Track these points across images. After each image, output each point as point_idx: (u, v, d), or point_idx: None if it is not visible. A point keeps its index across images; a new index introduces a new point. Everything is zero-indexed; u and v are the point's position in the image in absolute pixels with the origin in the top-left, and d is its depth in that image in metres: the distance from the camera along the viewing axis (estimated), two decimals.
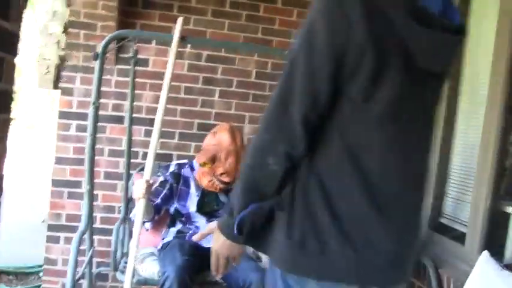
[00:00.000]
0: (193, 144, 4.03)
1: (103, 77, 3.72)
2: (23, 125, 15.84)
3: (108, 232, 3.64)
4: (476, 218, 3.28)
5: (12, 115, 1.39)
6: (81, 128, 3.80)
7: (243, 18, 4.08)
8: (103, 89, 3.86)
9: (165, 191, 3.17)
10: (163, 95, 2.69)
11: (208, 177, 3.13)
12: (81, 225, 2.96)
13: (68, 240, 3.74)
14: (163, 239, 3.16)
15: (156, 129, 2.64)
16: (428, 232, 3.85)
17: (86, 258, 3.11)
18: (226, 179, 3.13)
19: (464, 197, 3.64)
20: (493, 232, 3.17)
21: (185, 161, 3.35)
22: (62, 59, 3.63)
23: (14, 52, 1.37)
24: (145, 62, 3.98)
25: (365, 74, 1.32)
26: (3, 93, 1.34)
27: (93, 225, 3.52)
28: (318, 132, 1.41)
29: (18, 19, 1.37)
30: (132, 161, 3.57)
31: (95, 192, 3.72)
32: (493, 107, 3.23)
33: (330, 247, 1.38)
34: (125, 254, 3.27)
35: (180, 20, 2.83)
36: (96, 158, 3.84)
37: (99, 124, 3.86)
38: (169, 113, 4.02)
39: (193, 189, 3.19)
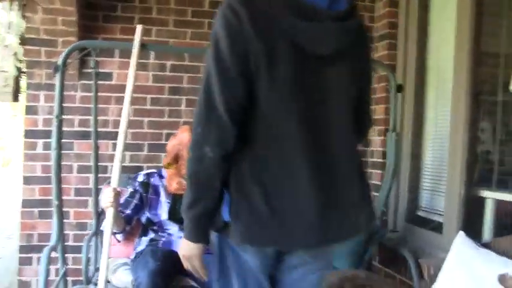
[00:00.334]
0: (163, 155, 3.95)
1: (67, 93, 3.69)
2: None
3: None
4: (451, 206, 3.30)
5: None
6: (48, 146, 3.70)
7: (205, 27, 4.07)
8: (68, 105, 3.83)
9: (135, 201, 3.12)
10: (126, 102, 2.66)
11: (176, 179, 3.09)
12: (52, 240, 2.90)
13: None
14: (135, 249, 3.10)
15: (121, 131, 2.60)
16: (406, 225, 3.85)
17: (59, 276, 3.03)
18: None
19: (439, 187, 3.66)
20: (469, 218, 3.18)
21: (153, 170, 3.30)
22: (20, 71, 3.57)
23: None
24: (109, 76, 3.97)
25: (264, 65, 1.58)
26: None
27: (66, 243, 3.46)
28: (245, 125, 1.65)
29: None
30: (101, 175, 3.51)
31: (66, 209, 3.67)
32: (459, 97, 3.26)
33: (261, 220, 1.65)
34: (98, 269, 3.20)
35: (139, 27, 2.80)
36: (66, 175, 3.79)
37: (67, 141, 3.84)
38: (137, 125, 4.00)
39: (163, 197, 3.15)
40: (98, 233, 3.32)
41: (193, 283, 2.95)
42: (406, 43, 3.93)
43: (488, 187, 3.15)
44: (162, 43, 4.03)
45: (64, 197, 3.45)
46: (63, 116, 2.97)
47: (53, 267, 3.29)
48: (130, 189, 3.19)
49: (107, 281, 2.48)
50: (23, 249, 3.87)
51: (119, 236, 3.04)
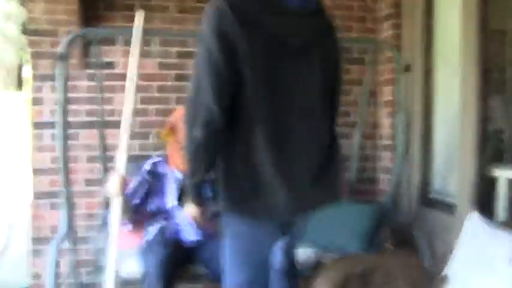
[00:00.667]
0: None
1: (72, 83, 3.66)
2: None
3: None
4: (463, 187, 3.26)
5: None
6: (55, 137, 3.72)
7: None
8: (75, 95, 3.81)
9: (142, 190, 3.10)
10: (130, 87, 2.64)
11: (179, 153, 3.03)
12: (60, 231, 2.89)
13: None
14: (144, 238, 3.07)
15: (126, 115, 2.58)
16: (419, 207, 3.82)
17: (69, 267, 3.04)
18: None
19: (451, 169, 3.61)
20: (482, 198, 3.14)
21: (160, 158, 3.26)
22: (22, 60, 3.55)
23: None
24: (113, 65, 3.95)
25: (247, 55, 1.83)
26: None
27: (78, 234, 3.45)
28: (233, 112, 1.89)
29: None
30: (110, 165, 3.48)
31: (77, 200, 3.65)
32: (468, 76, 3.20)
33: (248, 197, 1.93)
34: None
35: (139, 13, 2.75)
36: (75, 164, 3.78)
37: (75, 131, 3.81)
38: (143, 113, 3.97)
39: (171, 183, 3.12)
40: (107, 223, 3.30)
41: (202, 270, 2.94)
42: (412, 22, 3.87)
43: (501, 166, 3.11)
44: (164, 30, 4.00)
45: (74, 188, 3.45)
46: (70, 106, 2.96)
47: (66, 259, 3.30)
48: (137, 178, 3.15)
49: (116, 271, 2.45)
50: (35, 241, 3.87)
51: (127, 226, 3.02)
